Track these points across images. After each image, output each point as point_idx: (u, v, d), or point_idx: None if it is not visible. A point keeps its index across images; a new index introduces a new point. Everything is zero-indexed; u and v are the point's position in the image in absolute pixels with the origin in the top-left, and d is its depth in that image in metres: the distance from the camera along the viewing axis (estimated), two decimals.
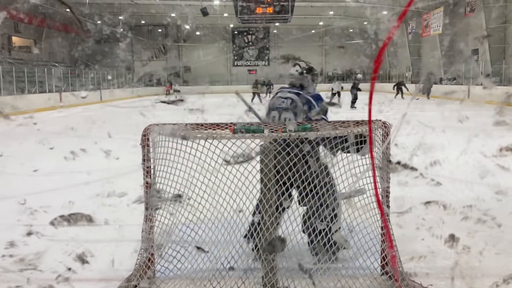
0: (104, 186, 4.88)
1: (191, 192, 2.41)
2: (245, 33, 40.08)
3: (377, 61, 1.73)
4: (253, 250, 2.38)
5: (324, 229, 2.40)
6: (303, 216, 2.61)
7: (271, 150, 2.24)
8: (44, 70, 22.64)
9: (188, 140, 2.35)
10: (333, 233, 2.47)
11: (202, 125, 2.64)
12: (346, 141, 2.42)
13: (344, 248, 2.59)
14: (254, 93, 22.13)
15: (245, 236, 2.44)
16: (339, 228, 2.51)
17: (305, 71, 3.07)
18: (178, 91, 29.21)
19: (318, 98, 2.98)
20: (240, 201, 2.38)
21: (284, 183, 2.34)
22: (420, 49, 33.22)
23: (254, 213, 2.48)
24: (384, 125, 2.62)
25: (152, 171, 2.57)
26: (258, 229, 2.31)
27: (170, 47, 39.47)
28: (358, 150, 2.50)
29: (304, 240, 2.71)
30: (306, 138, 2.29)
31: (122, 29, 34.97)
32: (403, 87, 23.35)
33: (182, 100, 3.29)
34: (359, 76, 21.12)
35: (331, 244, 2.42)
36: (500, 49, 23.61)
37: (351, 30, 37.95)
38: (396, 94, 23.68)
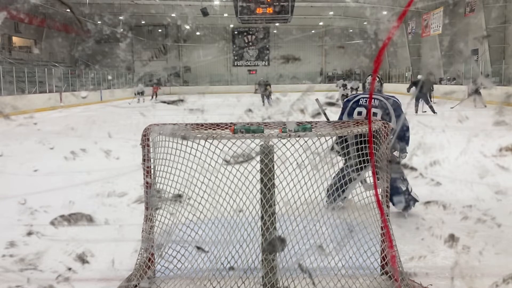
0: (104, 186, 4.89)
1: (191, 192, 2.42)
2: (245, 33, 40.06)
3: (377, 61, 1.73)
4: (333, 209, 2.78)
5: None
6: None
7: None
8: (44, 70, 22.64)
9: (188, 140, 2.35)
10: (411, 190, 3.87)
11: (202, 125, 2.64)
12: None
13: (418, 200, 3.90)
14: (263, 95, 19.43)
15: (328, 198, 2.81)
16: (412, 188, 3.89)
17: (381, 79, 4.09)
18: (142, 93, 24.21)
19: (398, 101, 3.89)
20: (240, 201, 2.38)
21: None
22: (420, 49, 33.20)
23: (335, 177, 2.70)
24: (384, 125, 2.62)
25: (152, 171, 2.57)
26: (339, 190, 2.61)
27: (170, 47, 39.45)
28: (358, 150, 2.54)
29: (304, 240, 2.72)
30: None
31: (122, 29, 34.93)
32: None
33: (182, 100, 3.29)
34: (419, 76, 17.53)
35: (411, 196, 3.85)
36: (500, 49, 23.60)
37: (351, 30, 37.93)
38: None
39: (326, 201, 2.84)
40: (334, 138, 2.46)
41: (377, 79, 4.02)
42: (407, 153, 3.93)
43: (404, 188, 3.80)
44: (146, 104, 22.79)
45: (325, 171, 2.39)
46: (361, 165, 2.55)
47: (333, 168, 2.51)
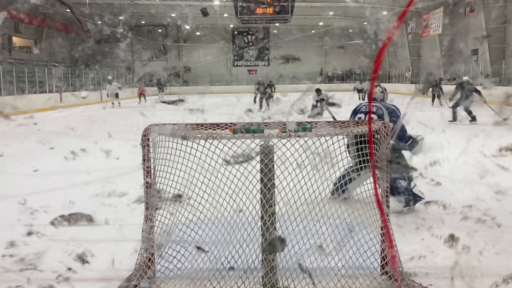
0: (104, 186, 4.90)
1: (191, 192, 2.42)
2: (245, 33, 40.07)
3: (377, 61, 1.73)
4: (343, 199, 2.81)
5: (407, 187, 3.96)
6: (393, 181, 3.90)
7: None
8: (44, 70, 22.65)
9: (188, 140, 2.35)
10: (413, 187, 3.99)
11: (202, 125, 2.65)
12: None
13: (422, 198, 4.02)
14: (262, 98, 16.81)
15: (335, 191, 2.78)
16: (415, 184, 4.01)
17: (385, 91, 4.42)
18: (116, 95, 19.51)
19: (396, 108, 4.15)
20: (240, 201, 2.38)
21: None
22: (420, 49, 33.22)
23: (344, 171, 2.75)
24: (384, 125, 2.62)
25: (152, 171, 2.57)
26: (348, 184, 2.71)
27: (170, 47, 39.46)
28: (357, 150, 2.55)
29: (304, 240, 2.72)
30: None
31: (122, 29, 34.94)
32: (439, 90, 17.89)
33: (182, 100, 3.29)
34: (465, 78, 12.12)
35: (413, 194, 3.99)
36: (500, 49, 23.61)
37: (351, 30, 37.95)
38: (433, 99, 18.30)
39: (332, 194, 2.83)
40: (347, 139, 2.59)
41: (380, 89, 4.40)
42: (416, 142, 4.04)
43: (405, 184, 3.97)
44: (123, 107, 19.55)
45: (325, 171, 2.39)
46: (365, 164, 2.59)
47: (333, 168, 2.51)
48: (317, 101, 13.51)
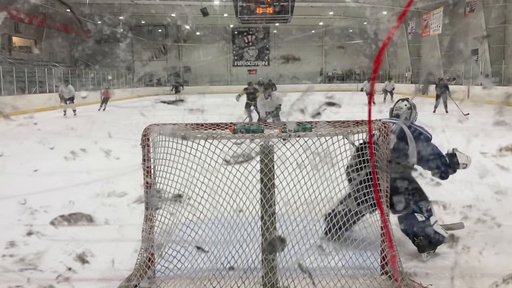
0: (104, 186, 4.90)
1: (191, 192, 2.42)
2: (245, 33, 40.05)
3: (376, 61, 1.73)
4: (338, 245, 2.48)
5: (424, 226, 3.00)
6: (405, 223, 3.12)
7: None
8: (44, 70, 22.64)
9: (188, 140, 2.35)
10: (434, 224, 3.05)
11: (202, 125, 2.65)
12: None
13: (445, 237, 3.06)
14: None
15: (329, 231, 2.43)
16: (436, 220, 3.09)
17: (412, 107, 3.62)
18: (71, 98, 15.61)
19: (425, 130, 3.38)
20: (240, 201, 2.38)
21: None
22: (420, 49, 33.19)
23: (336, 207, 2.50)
24: (384, 125, 2.62)
25: (152, 171, 2.58)
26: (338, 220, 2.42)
27: (170, 47, 39.44)
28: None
29: (304, 240, 2.71)
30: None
31: (122, 29, 34.93)
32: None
33: (182, 100, 3.29)
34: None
35: (434, 234, 3.00)
36: (500, 49, 23.59)
37: (351, 30, 37.94)
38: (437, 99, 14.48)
39: (326, 234, 2.46)
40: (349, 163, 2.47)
41: (408, 104, 3.55)
42: (457, 163, 3.37)
43: (422, 219, 3.03)
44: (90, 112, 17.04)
45: (325, 171, 2.39)
46: (365, 197, 2.46)
47: (333, 168, 2.50)
48: (267, 113, 8.75)
